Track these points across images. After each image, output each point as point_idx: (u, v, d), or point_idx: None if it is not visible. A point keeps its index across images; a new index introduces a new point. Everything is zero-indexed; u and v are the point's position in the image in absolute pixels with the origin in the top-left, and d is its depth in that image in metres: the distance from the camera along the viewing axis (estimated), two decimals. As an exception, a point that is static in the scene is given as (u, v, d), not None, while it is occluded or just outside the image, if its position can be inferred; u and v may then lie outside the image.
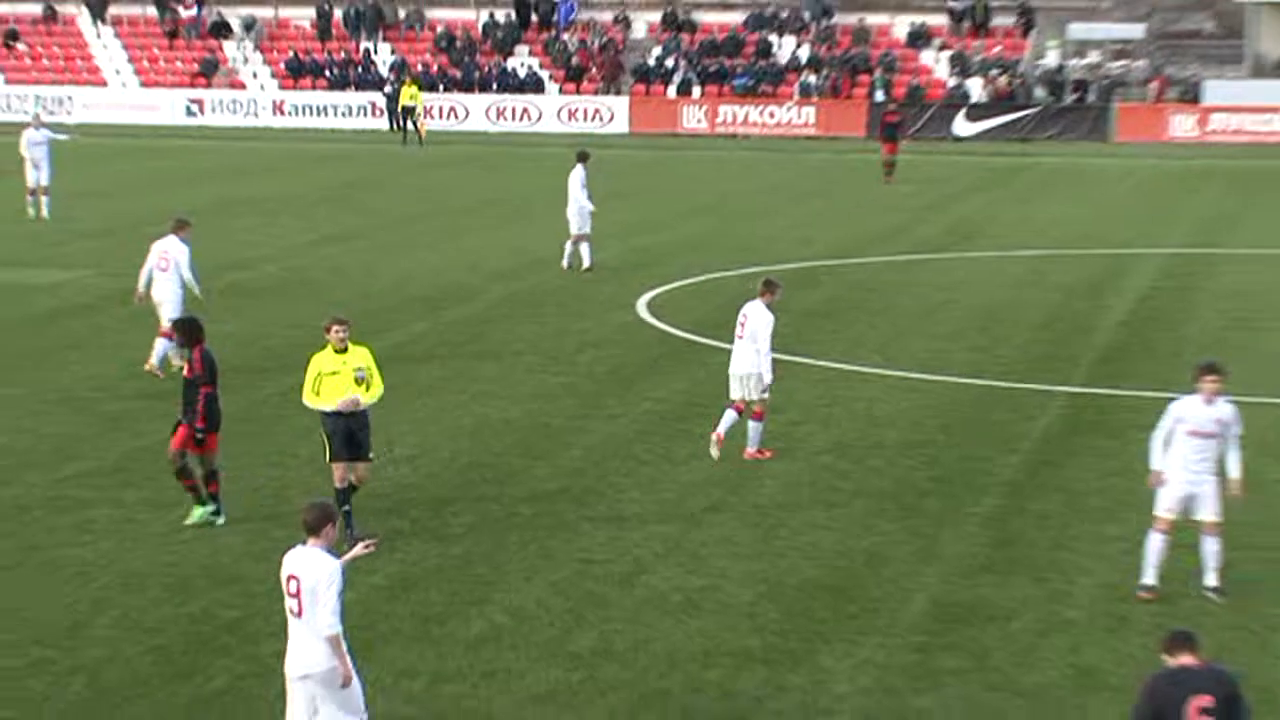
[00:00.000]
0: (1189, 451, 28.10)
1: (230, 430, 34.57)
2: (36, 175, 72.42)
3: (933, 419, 41.22)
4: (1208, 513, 28.40)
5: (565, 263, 59.37)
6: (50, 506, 32.77)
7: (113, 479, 33.57)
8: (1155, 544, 28.09)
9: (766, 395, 36.85)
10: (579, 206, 59.24)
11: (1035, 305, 55.89)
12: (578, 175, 59.23)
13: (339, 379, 30.73)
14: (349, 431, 30.63)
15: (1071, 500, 35.01)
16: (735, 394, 36.61)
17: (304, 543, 21.80)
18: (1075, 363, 47.38)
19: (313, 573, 21.37)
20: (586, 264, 59.16)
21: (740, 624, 28.24)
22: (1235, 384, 39.00)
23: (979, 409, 42.58)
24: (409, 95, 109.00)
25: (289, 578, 21.68)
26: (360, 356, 30.98)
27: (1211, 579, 28.48)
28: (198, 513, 31.82)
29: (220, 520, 31.86)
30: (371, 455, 31.60)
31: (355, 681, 21.72)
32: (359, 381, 30.81)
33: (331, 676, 21.53)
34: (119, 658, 26.40)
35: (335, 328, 31.11)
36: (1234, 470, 28.34)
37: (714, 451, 36.56)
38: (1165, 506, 27.86)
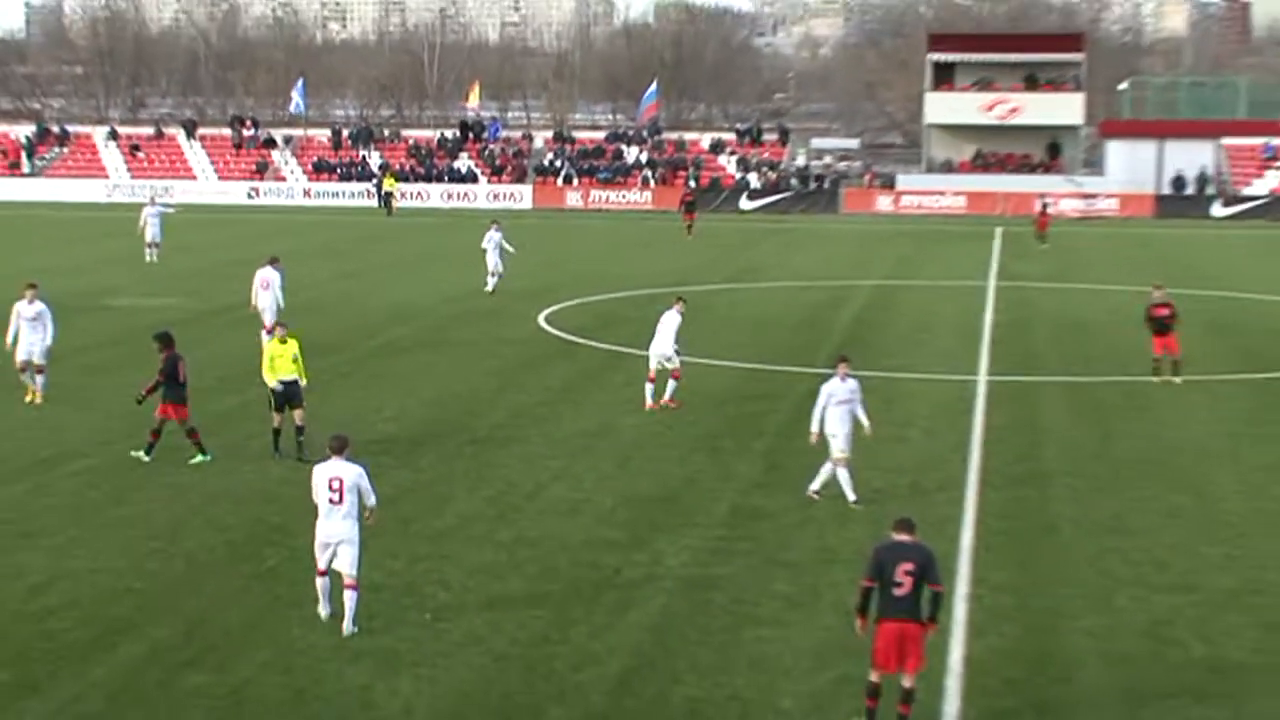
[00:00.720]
0: (839, 412, 30.36)
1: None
2: (152, 235, 78.11)
3: (726, 389, 43.72)
4: (839, 450, 30.57)
5: (489, 289, 61.07)
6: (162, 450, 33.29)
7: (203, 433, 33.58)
8: (828, 470, 30.57)
9: (677, 363, 40.21)
10: (496, 255, 62.41)
11: (792, 317, 58.78)
12: (493, 235, 63.03)
13: (281, 359, 34.12)
14: (287, 394, 34.05)
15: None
16: (653, 366, 40.35)
17: (328, 459, 23.71)
18: (817, 353, 47.99)
19: (352, 473, 23.66)
20: (490, 289, 61.83)
21: (606, 522, 30.00)
22: (918, 367, 40.47)
23: (756, 382, 45.22)
24: (389, 184, 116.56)
25: (331, 479, 23.60)
26: (293, 346, 34.47)
27: (850, 495, 30.42)
28: (198, 458, 33.42)
29: (208, 457, 33.50)
30: (303, 403, 34.25)
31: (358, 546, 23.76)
32: (294, 360, 34.30)
33: (350, 538, 23.44)
34: (204, 546, 27.94)
35: (278, 329, 35.89)
36: (864, 420, 31.09)
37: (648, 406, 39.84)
38: (839, 449, 30.12)
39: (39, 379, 39.84)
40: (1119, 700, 21.16)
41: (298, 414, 34.17)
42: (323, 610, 23.76)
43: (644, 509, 30.47)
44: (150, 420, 33.81)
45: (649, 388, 40.32)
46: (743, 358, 48.35)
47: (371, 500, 24.09)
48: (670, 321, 40.17)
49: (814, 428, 31.46)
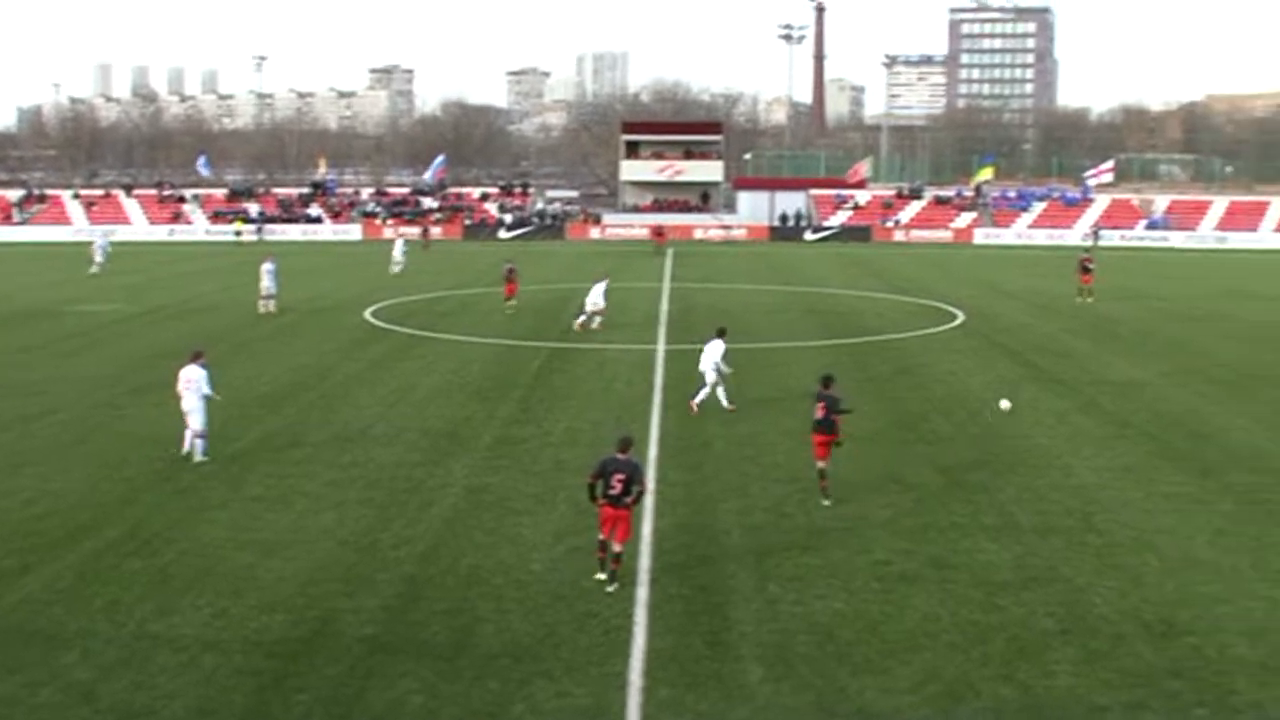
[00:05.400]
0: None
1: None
2: (100, 259, 78.84)
3: (491, 357, 42.69)
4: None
5: (262, 310, 56.95)
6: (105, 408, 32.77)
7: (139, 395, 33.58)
8: (706, 392, 28.39)
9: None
10: (270, 280, 56.79)
11: (535, 309, 57.19)
12: (270, 265, 57.50)
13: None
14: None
15: (561, 388, 36.28)
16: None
17: (186, 365, 27.71)
18: (552, 331, 47.72)
19: (197, 374, 27.53)
20: (262, 310, 56.12)
21: (412, 449, 29.43)
22: (619, 341, 40.60)
23: (511, 353, 44.17)
24: (239, 225, 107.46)
25: (187, 380, 27.51)
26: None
27: (725, 404, 30.05)
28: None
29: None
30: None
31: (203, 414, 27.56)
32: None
33: (195, 409, 27.34)
34: (140, 473, 27.30)
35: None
36: (725, 367, 31.67)
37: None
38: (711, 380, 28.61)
39: None
40: (752, 554, 21.27)
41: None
42: (184, 449, 27.60)
43: (437, 439, 30.06)
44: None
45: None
46: (502, 336, 47.69)
47: (207, 390, 27.50)
48: (598, 291, 38.91)
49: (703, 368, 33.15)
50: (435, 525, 23.00)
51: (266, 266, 56.89)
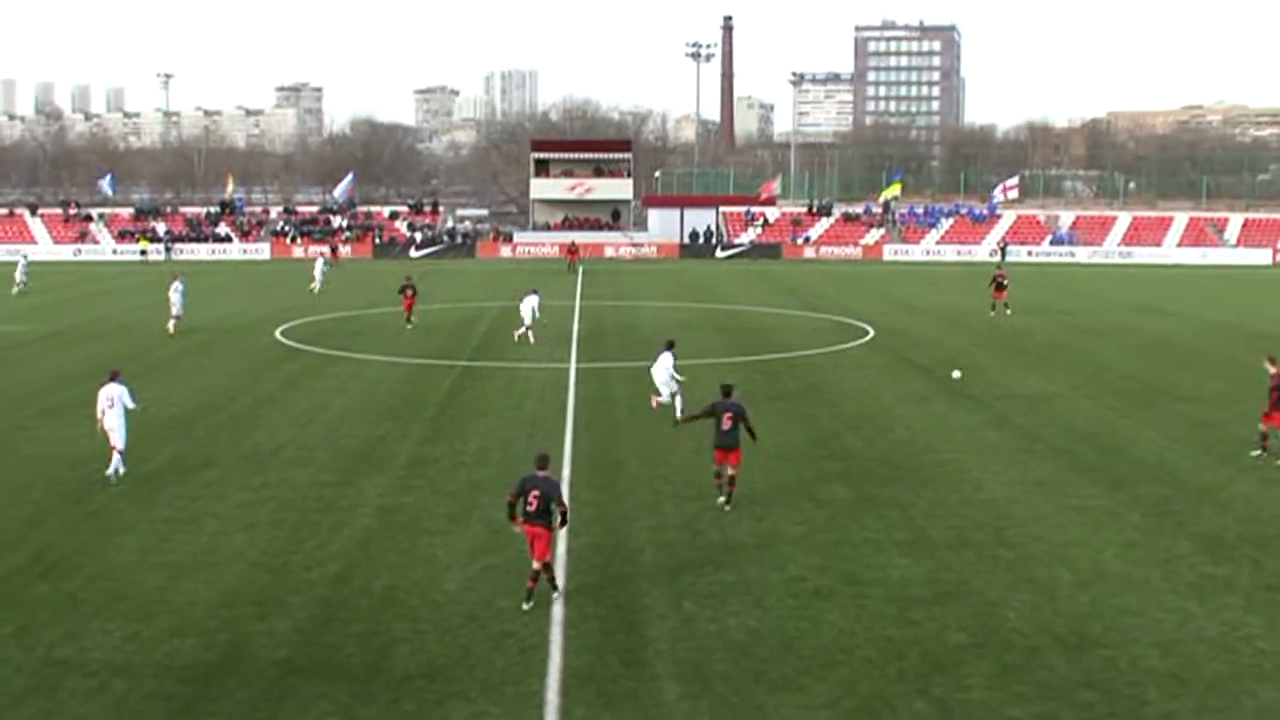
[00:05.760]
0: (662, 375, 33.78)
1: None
2: (21, 279, 78.60)
3: (403, 377, 42.46)
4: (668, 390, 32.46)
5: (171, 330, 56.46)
6: (12, 431, 31.25)
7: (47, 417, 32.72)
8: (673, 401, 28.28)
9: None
10: (179, 300, 56.62)
11: (445, 327, 57.17)
12: (179, 285, 57.50)
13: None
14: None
15: (472, 407, 36.09)
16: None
17: (106, 384, 28.02)
18: (464, 351, 47.49)
19: (118, 390, 27.75)
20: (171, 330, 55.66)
21: (324, 469, 29.33)
22: (531, 359, 40.64)
23: (423, 372, 43.92)
24: (143, 243, 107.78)
25: (108, 396, 27.73)
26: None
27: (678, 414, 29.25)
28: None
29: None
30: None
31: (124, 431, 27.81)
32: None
33: (117, 427, 27.52)
34: (47, 495, 26.81)
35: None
36: (679, 376, 29.41)
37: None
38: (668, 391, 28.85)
39: None
40: (667, 572, 21.25)
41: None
42: (109, 471, 27.35)
43: (350, 460, 29.80)
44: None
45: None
46: (413, 356, 47.46)
47: (130, 404, 27.85)
48: (530, 300, 38.56)
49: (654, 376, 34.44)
50: (348, 546, 22.78)
51: (175, 286, 56.66)
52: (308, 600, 19.90)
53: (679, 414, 33.12)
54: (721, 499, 25.48)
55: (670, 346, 35.21)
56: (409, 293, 57.74)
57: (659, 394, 34.68)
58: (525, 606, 19.42)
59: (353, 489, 27.00)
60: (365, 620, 19.07)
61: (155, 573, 21.20)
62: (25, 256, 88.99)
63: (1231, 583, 20.91)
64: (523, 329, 51.39)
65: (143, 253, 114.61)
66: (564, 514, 19.85)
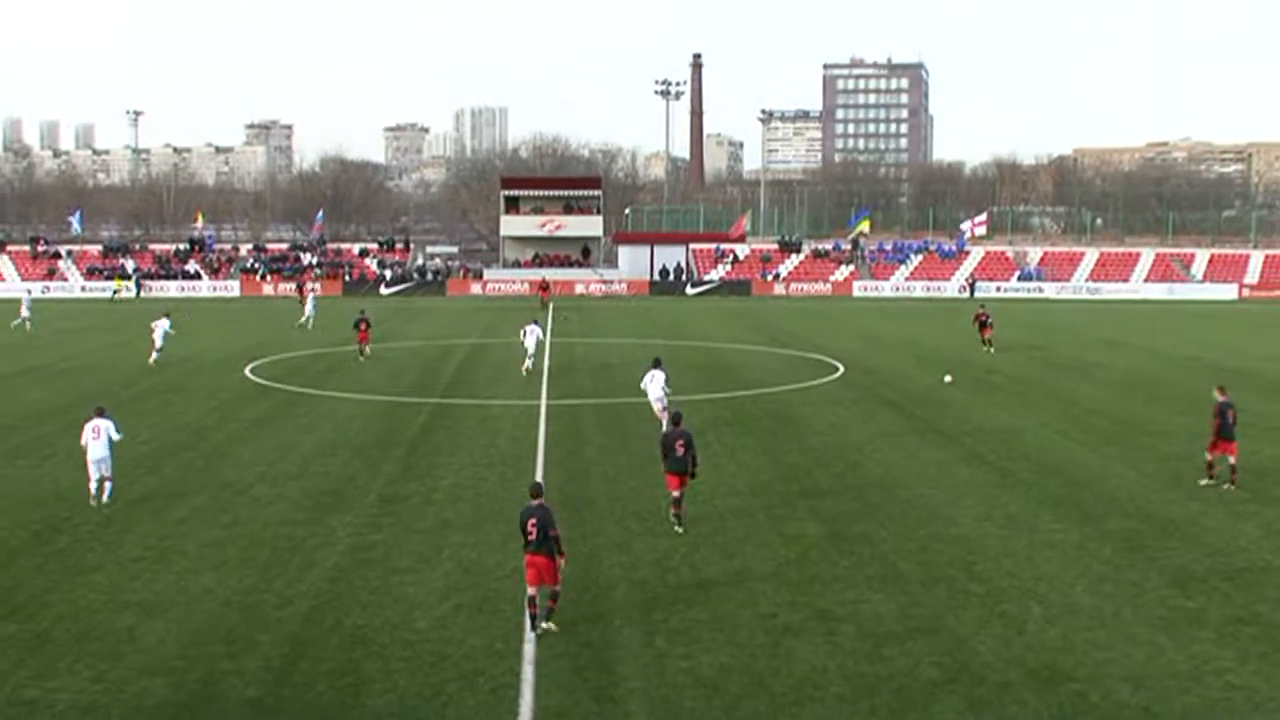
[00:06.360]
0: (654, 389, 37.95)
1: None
2: (25, 315, 79.87)
3: (374, 415, 42.39)
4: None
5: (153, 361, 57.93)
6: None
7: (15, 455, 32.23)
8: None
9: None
10: (161, 335, 58.34)
11: (416, 365, 57.07)
12: (163, 322, 59.35)
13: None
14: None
15: (444, 445, 35.94)
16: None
17: (91, 419, 28.88)
18: (435, 388, 46.92)
19: (105, 424, 28.64)
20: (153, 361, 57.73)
21: (295, 507, 29.16)
22: (502, 396, 40.32)
23: (395, 410, 43.78)
24: (118, 284, 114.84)
25: (94, 427, 28.55)
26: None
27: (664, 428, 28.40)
28: None
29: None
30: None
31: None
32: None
33: (105, 458, 28.52)
34: (14, 535, 26.59)
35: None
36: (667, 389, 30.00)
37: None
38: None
39: None
40: (638, 609, 21.18)
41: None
42: (96, 498, 28.32)
43: (320, 498, 29.67)
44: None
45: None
46: (384, 393, 47.39)
47: (116, 436, 28.93)
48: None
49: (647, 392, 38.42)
50: (319, 584, 22.65)
51: (162, 322, 58.74)
52: (278, 639, 19.78)
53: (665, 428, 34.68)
54: (679, 529, 26.28)
55: (658, 364, 39.27)
56: (363, 326, 59.77)
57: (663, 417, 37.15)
58: (539, 629, 19.83)
59: (323, 527, 26.88)
60: (336, 659, 18.96)
61: (124, 612, 21.06)
62: (29, 292, 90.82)
63: (1202, 616, 21.00)
64: (527, 361, 53.71)
65: (114, 293, 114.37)
66: (557, 539, 20.08)
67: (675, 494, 26.66)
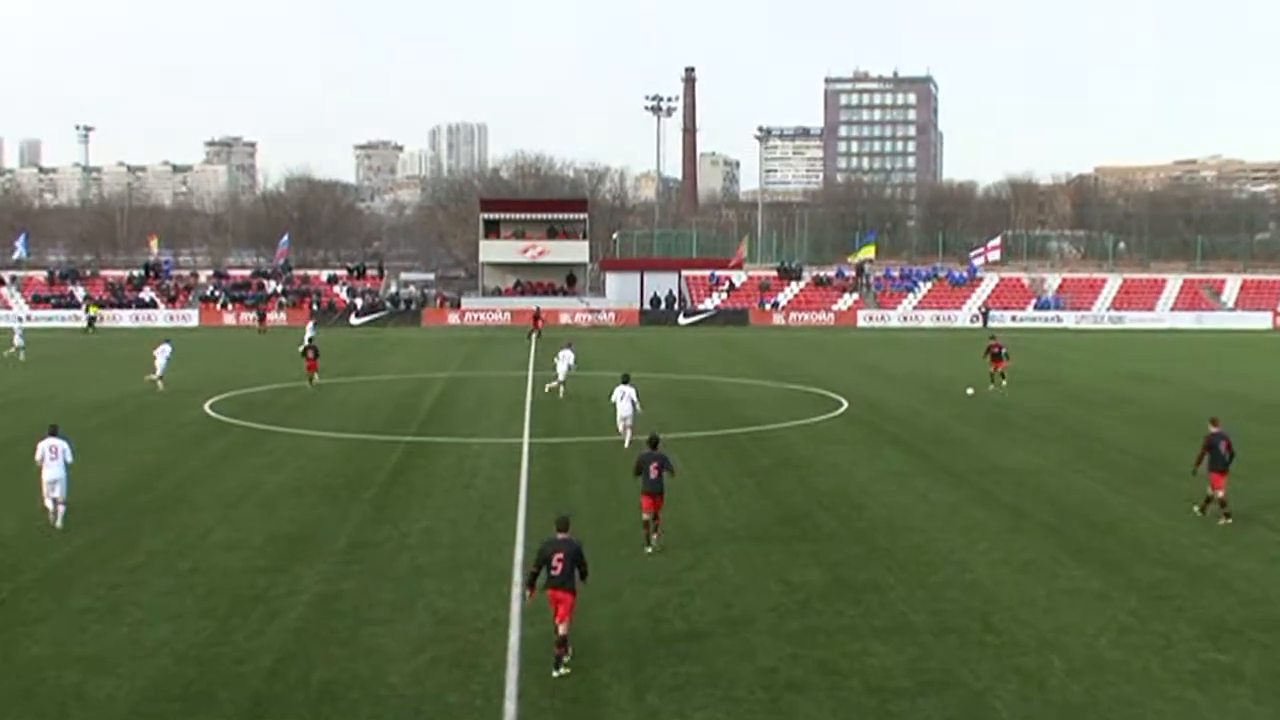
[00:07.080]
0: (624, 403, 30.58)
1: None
2: (19, 344, 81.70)
3: (342, 454, 42.35)
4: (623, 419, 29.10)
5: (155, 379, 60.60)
6: None
7: None
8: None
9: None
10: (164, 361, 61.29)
11: (389, 401, 57.52)
12: (165, 348, 62.69)
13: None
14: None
15: (419, 486, 35.81)
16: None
17: (45, 437, 30.91)
18: (410, 426, 47.57)
19: (61, 444, 30.56)
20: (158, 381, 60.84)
21: (258, 554, 28.94)
22: (482, 434, 39.91)
23: (364, 449, 43.64)
24: (92, 310, 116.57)
25: (50, 446, 30.39)
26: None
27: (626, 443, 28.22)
28: None
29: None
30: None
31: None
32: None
33: (61, 479, 30.26)
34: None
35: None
36: (639, 407, 30.24)
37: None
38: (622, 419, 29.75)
39: None
40: (628, 662, 21.08)
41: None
42: (53, 520, 30.02)
43: (285, 543, 29.53)
44: None
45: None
46: (354, 431, 47.44)
47: (70, 458, 30.51)
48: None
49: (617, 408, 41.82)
50: (283, 637, 22.51)
51: (163, 348, 61.60)
52: (238, 696, 19.64)
53: (627, 445, 41.19)
54: (649, 549, 28.19)
55: (627, 380, 42.93)
56: (310, 354, 61.71)
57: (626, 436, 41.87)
58: (556, 673, 20.20)
59: (288, 575, 26.69)
60: (302, 717, 18.83)
61: (71, 667, 20.89)
62: (21, 320, 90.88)
63: (1238, 670, 20.91)
64: (556, 383, 57.10)
65: (91, 320, 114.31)
66: (584, 573, 21.08)
67: (646, 516, 28.64)
